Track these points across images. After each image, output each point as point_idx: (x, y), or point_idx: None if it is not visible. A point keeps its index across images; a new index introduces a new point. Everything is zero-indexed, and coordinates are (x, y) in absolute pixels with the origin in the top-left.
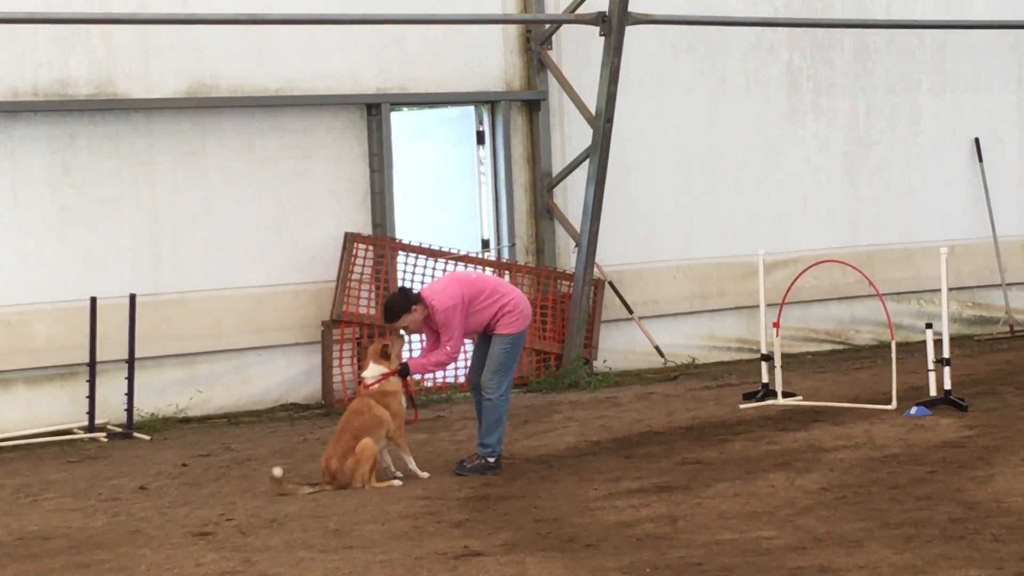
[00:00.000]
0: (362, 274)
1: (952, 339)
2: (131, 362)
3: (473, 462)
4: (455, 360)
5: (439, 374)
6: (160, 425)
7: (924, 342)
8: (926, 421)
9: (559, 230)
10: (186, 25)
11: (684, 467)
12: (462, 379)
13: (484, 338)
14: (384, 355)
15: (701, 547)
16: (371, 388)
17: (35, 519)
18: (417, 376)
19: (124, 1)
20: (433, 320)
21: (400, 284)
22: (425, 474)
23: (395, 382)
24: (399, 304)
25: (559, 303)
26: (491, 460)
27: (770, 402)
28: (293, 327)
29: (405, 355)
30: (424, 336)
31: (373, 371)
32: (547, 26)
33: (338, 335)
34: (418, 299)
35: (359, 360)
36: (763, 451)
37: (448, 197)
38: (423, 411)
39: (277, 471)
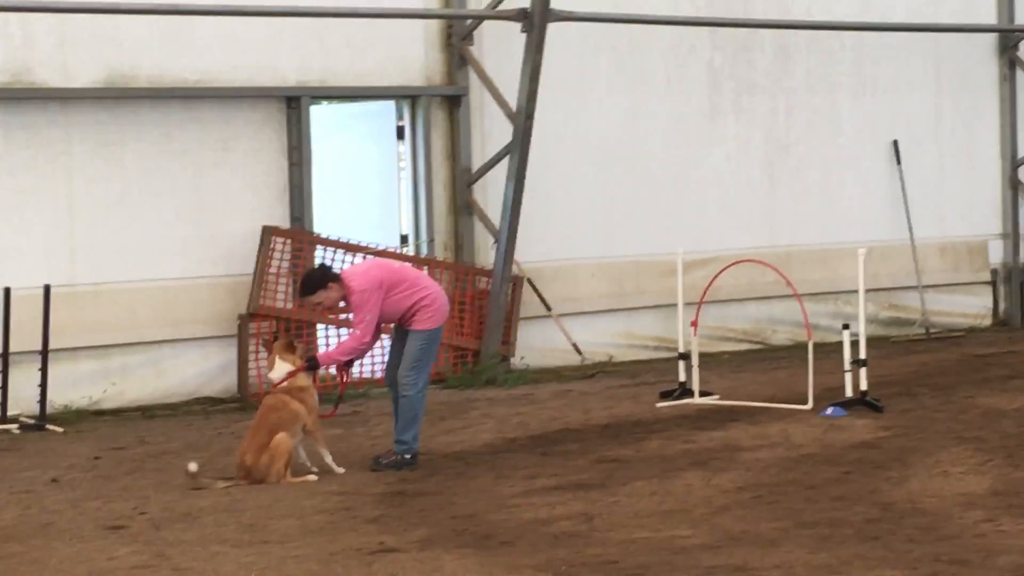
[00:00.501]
0: (279, 268)
1: (868, 340)
2: (44, 353)
3: (389, 458)
4: (365, 346)
5: (356, 369)
6: (73, 417)
7: (841, 343)
8: (842, 421)
9: (478, 226)
10: (105, 14)
11: (601, 465)
12: (379, 374)
13: (401, 334)
14: (290, 349)
15: (617, 545)
16: (283, 385)
17: None
18: (332, 370)
19: None
20: (348, 302)
21: (322, 262)
22: (341, 469)
23: (307, 377)
24: (316, 279)
25: (477, 299)
26: (407, 456)
27: (687, 401)
28: (209, 320)
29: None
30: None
31: (280, 369)
32: (468, 21)
33: (254, 329)
34: (336, 277)
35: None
36: (680, 450)
37: (367, 192)
38: (341, 406)
39: (192, 466)
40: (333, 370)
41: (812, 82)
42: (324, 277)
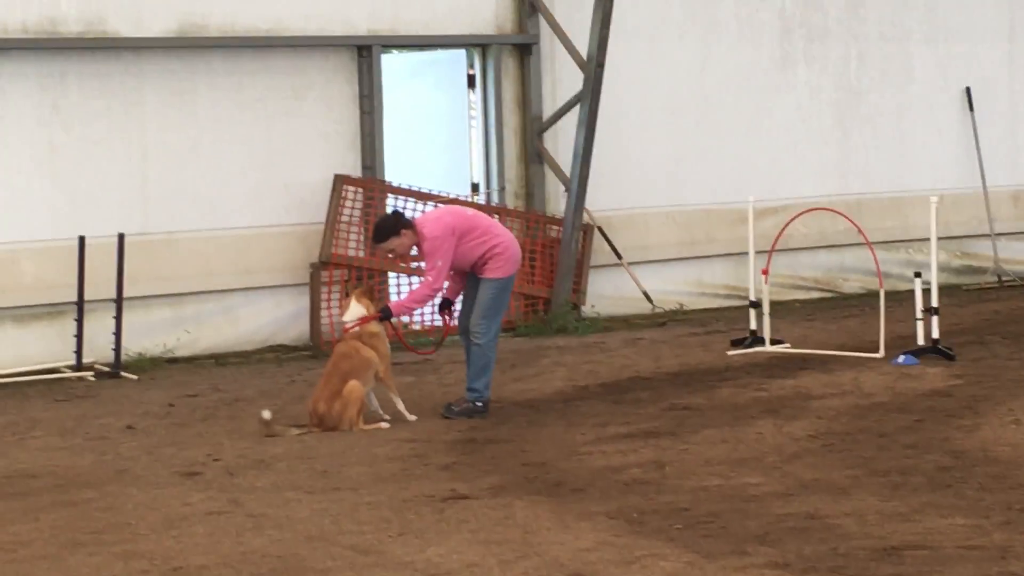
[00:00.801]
0: (351, 216)
1: (940, 288)
2: (119, 301)
3: (461, 406)
4: (436, 293)
5: (427, 316)
6: (148, 365)
7: (912, 291)
8: (914, 370)
9: (549, 175)
10: None
11: (672, 413)
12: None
13: (473, 282)
14: (368, 295)
15: (688, 493)
16: (355, 330)
17: (22, 457)
18: (405, 319)
19: None
20: (420, 249)
21: (395, 209)
22: (413, 417)
23: (379, 325)
24: (389, 226)
25: (548, 248)
26: (479, 404)
27: (758, 349)
28: (281, 269)
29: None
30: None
31: (353, 312)
32: None
33: (326, 277)
34: (409, 224)
35: (339, 303)
36: (751, 398)
37: (438, 140)
38: (412, 354)
39: (266, 414)
40: (405, 319)
41: (884, 29)
42: (397, 224)
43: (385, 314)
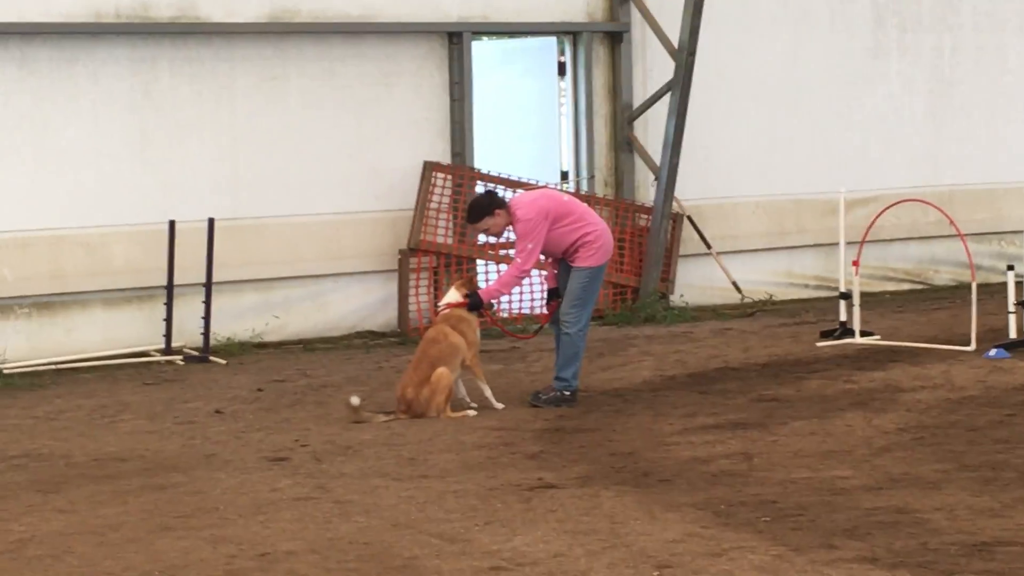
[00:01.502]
0: (440, 203)
1: None
2: (208, 286)
3: (549, 394)
4: (525, 275)
5: (516, 303)
6: (236, 350)
7: (1005, 284)
8: (1005, 363)
9: (639, 163)
10: None
11: (760, 404)
12: (539, 309)
13: (564, 270)
14: (468, 286)
15: (776, 485)
16: (446, 313)
17: (111, 440)
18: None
19: None
20: (513, 230)
21: (489, 189)
22: (500, 405)
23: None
24: (483, 206)
25: (637, 236)
26: (567, 393)
27: (847, 341)
28: (370, 255)
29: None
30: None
31: (450, 296)
32: None
33: (415, 264)
34: (503, 204)
35: (436, 291)
36: (840, 390)
37: (528, 128)
38: (500, 342)
39: (355, 399)
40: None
41: (978, 19)
42: (491, 204)
43: (474, 301)
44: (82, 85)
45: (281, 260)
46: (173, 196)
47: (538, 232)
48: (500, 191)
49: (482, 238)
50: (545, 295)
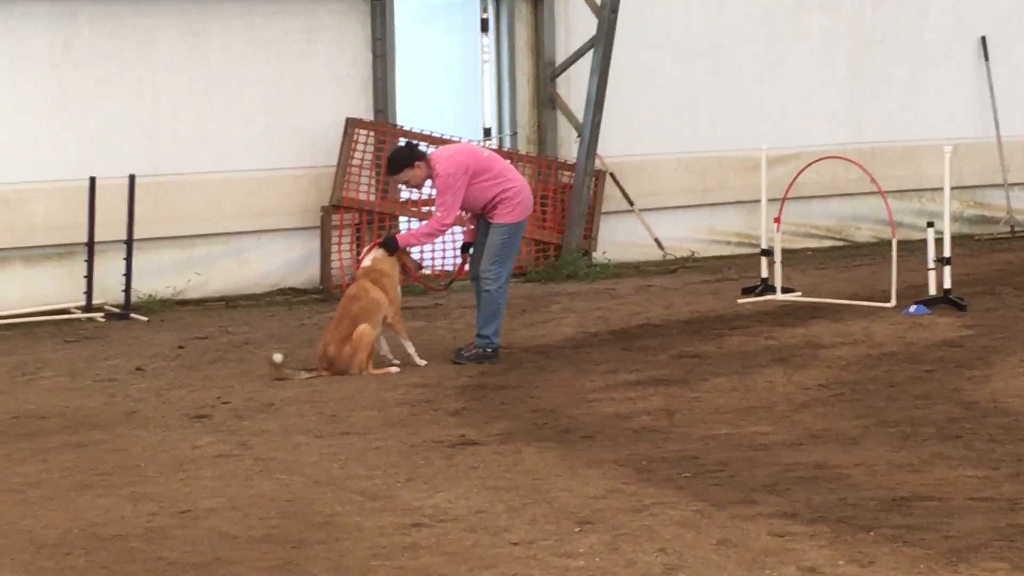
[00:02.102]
0: (363, 160)
1: (953, 238)
2: (129, 243)
3: (471, 351)
4: (445, 228)
5: (439, 260)
6: (157, 307)
7: (925, 241)
8: (925, 320)
9: (561, 120)
10: None
11: (682, 360)
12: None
13: (484, 228)
14: (392, 246)
15: (697, 441)
16: (366, 267)
17: (31, 398)
18: (415, 252)
19: None
20: (433, 183)
21: (409, 141)
22: (423, 362)
23: (390, 265)
24: (403, 157)
25: (559, 193)
26: (489, 350)
27: (769, 297)
28: (292, 212)
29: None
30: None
31: (373, 254)
32: None
33: (337, 220)
34: (423, 156)
35: (358, 247)
36: (761, 346)
37: (451, 84)
38: (422, 299)
39: (277, 357)
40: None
41: None
42: (411, 156)
43: (389, 243)
44: (0, 40)
45: (203, 217)
46: (93, 152)
47: (457, 186)
48: (422, 147)
49: (404, 193)
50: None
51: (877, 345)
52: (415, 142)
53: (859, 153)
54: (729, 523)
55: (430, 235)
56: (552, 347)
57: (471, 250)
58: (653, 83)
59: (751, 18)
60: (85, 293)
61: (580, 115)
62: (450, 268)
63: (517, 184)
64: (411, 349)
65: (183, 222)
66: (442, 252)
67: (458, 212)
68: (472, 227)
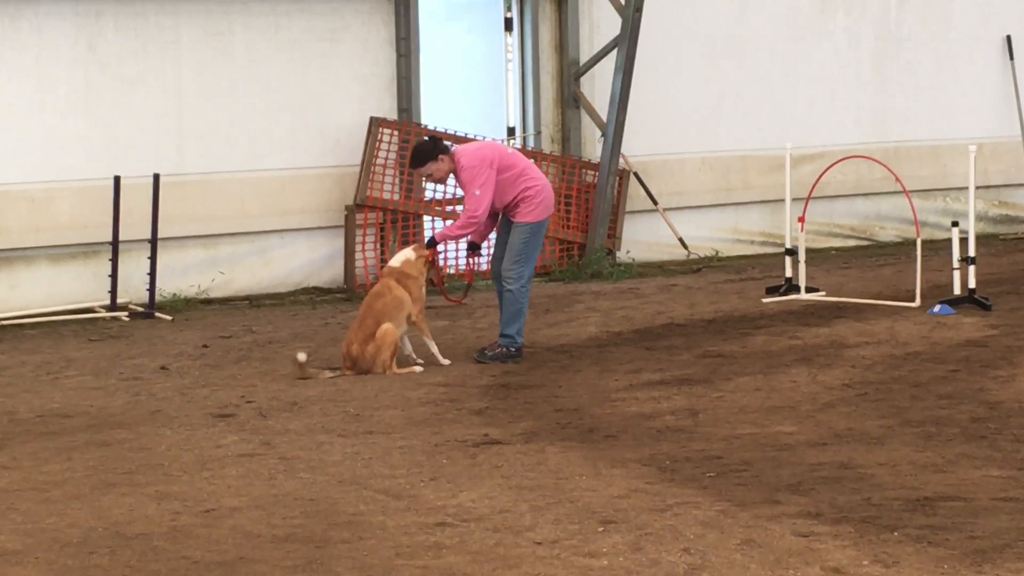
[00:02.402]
0: (387, 159)
1: (977, 238)
2: (154, 242)
3: (494, 350)
4: (478, 221)
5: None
6: (182, 305)
7: (949, 240)
8: (949, 319)
9: (585, 119)
10: None
11: (705, 360)
12: (485, 266)
13: (505, 227)
14: (422, 248)
15: (721, 441)
16: (391, 267)
17: (56, 397)
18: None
19: None
20: (457, 178)
21: (432, 135)
22: (446, 361)
23: (416, 266)
24: (427, 151)
25: (583, 193)
26: (512, 350)
27: (793, 297)
28: (316, 211)
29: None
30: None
31: (402, 255)
32: None
33: (361, 220)
34: (446, 150)
35: (382, 247)
36: (785, 346)
37: (475, 83)
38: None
39: (301, 355)
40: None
41: None
42: (435, 149)
43: (429, 242)
44: (26, 40)
45: (227, 216)
46: (118, 151)
47: (483, 178)
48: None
49: (428, 192)
50: (470, 249)
51: (901, 345)
52: (438, 137)
53: (883, 152)
54: (753, 523)
55: (463, 228)
56: (576, 346)
57: (479, 250)
58: (677, 82)
59: (776, 17)
60: (110, 292)
61: (604, 114)
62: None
63: (540, 183)
64: (434, 348)
65: (207, 221)
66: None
67: (488, 205)
68: (486, 230)
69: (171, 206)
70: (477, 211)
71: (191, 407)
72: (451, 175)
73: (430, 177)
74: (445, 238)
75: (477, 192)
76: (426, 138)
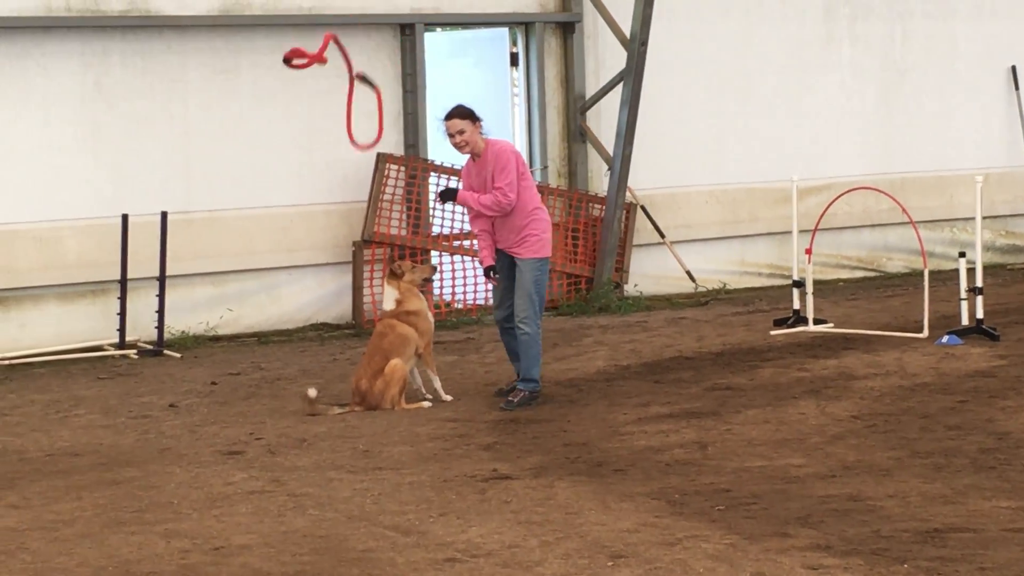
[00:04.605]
0: (394, 194)
1: (985, 268)
2: (162, 279)
3: (518, 396)
4: (508, 204)
5: (469, 296)
6: (190, 343)
7: (956, 270)
8: (957, 350)
9: (592, 153)
10: None
11: (714, 393)
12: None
13: (508, 271)
14: (394, 275)
15: (730, 474)
16: (391, 310)
17: (65, 435)
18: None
19: None
20: (495, 160)
21: None
22: (448, 397)
23: (414, 300)
24: (467, 110)
25: (591, 226)
26: (536, 391)
27: (801, 329)
28: (324, 247)
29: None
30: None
31: (389, 296)
32: None
33: (369, 255)
34: (479, 122)
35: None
36: (793, 378)
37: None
38: (454, 332)
39: (311, 391)
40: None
41: (928, 7)
42: (474, 114)
43: (448, 193)
44: (33, 79)
45: (234, 253)
46: (125, 189)
47: (512, 167)
48: (453, 183)
49: (436, 228)
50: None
51: (910, 376)
52: (447, 180)
53: (890, 183)
54: (763, 556)
55: (487, 207)
56: (584, 380)
57: (495, 272)
58: (683, 115)
59: (781, 50)
60: (118, 330)
61: (610, 148)
62: (481, 302)
63: (547, 217)
64: (438, 384)
65: (215, 258)
66: (473, 284)
67: (514, 197)
68: (489, 243)
69: (179, 244)
70: (511, 195)
71: (200, 444)
72: (471, 149)
73: (458, 135)
74: (466, 203)
75: (512, 179)
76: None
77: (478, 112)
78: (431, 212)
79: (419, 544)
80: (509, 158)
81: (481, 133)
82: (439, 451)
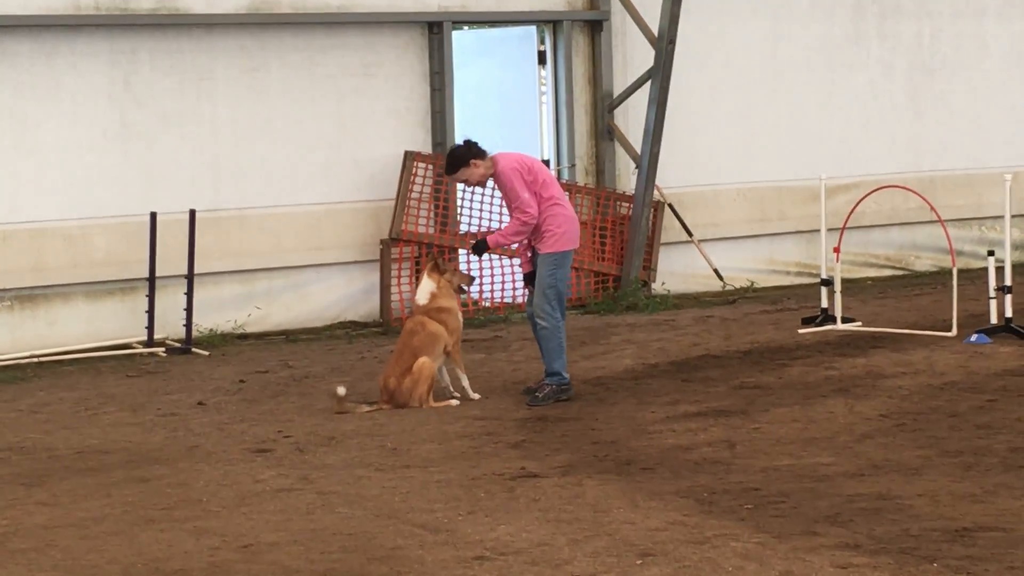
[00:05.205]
0: (421, 193)
1: (1014, 266)
2: (190, 277)
3: (544, 391)
4: (531, 222)
5: (497, 293)
6: (218, 341)
7: (985, 269)
8: (986, 349)
9: (619, 151)
10: None
11: (742, 391)
12: (519, 299)
13: (535, 260)
14: (437, 268)
15: (759, 472)
16: (423, 305)
17: (94, 433)
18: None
19: None
20: (497, 183)
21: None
22: (476, 395)
23: (447, 296)
24: (459, 157)
25: (618, 225)
26: (563, 386)
27: (829, 327)
28: (352, 245)
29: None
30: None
31: (425, 288)
32: None
33: (397, 254)
34: (482, 154)
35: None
36: (822, 377)
37: (509, 117)
38: (482, 331)
39: (341, 390)
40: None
41: (957, 5)
42: (468, 154)
43: (481, 246)
44: (62, 78)
45: (263, 251)
46: (154, 188)
47: (520, 181)
48: (477, 197)
49: (464, 226)
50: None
51: (938, 375)
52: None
53: (918, 182)
54: (791, 555)
55: (517, 233)
56: (612, 379)
57: (487, 250)
58: (711, 113)
59: (809, 48)
60: (147, 328)
61: (638, 146)
62: (508, 300)
63: (567, 212)
64: (466, 382)
65: (243, 256)
66: (501, 283)
67: (535, 206)
68: (529, 255)
69: (207, 242)
70: (529, 210)
71: (229, 442)
72: (484, 181)
73: (466, 183)
74: (499, 244)
75: (523, 195)
76: (461, 143)
77: (466, 151)
78: (458, 210)
79: (447, 542)
80: (509, 178)
81: (484, 159)
82: (467, 449)
